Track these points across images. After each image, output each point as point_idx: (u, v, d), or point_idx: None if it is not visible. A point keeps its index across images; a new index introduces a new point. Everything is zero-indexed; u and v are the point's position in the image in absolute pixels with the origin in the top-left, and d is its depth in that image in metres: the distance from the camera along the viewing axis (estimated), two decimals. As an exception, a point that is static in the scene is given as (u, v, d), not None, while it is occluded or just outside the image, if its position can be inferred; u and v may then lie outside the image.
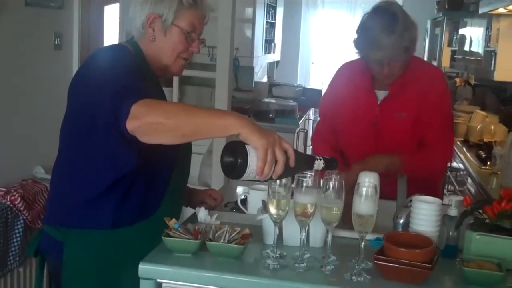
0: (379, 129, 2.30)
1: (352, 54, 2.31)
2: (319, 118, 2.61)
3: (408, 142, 2.30)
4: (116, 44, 1.84)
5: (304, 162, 1.53)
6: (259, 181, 1.49)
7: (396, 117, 2.28)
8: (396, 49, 2.13)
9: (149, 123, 1.44)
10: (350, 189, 1.57)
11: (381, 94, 2.31)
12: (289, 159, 1.44)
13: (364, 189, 1.53)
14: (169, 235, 1.60)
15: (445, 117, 2.32)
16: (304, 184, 1.56)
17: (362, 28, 2.21)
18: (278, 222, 1.60)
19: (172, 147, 1.58)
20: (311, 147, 2.89)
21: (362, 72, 2.31)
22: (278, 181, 1.55)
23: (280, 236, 1.67)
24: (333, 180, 1.55)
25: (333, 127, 2.42)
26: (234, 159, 1.42)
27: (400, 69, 2.22)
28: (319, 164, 1.53)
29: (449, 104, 2.40)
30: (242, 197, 2.04)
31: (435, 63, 5.56)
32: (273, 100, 5.48)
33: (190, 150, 1.90)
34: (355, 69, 2.36)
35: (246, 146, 1.42)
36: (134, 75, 1.60)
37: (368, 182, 1.69)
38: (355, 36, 2.24)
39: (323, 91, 2.66)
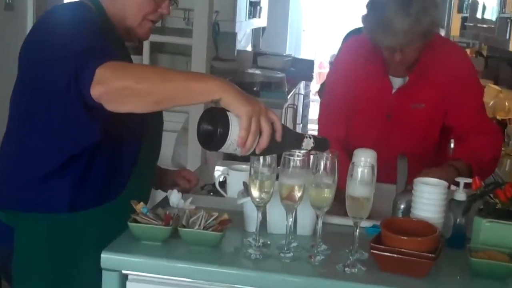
0: (394, 123, 2.28)
1: (351, 23, 2.28)
2: (324, 96, 2.55)
3: (425, 137, 2.29)
4: (74, 1, 1.81)
5: (292, 138, 1.53)
6: (239, 156, 1.49)
7: (412, 108, 2.26)
8: (410, 35, 2.06)
9: (117, 88, 1.44)
10: None
11: (397, 82, 2.27)
12: (276, 133, 1.44)
13: (359, 169, 1.53)
14: (136, 221, 1.60)
15: (479, 100, 2.29)
16: (291, 163, 1.56)
17: (372, 5, 2.14)
18: (261, 207, 1.60)
19: (141, 118, 1.58)
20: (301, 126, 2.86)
21: (374, 53, 2.24)
22: (261, 159, 1.55)
23: (263, 223, 1.67)
24: (325, 159, 1.55)
25: (343, 111, 2.36)
26: (213, 127, 1.41)
27: (415, 54, 2.17)
28: (308, 143, 1.53)
29: (480, 85, 2.38)
30: (221, 179, 2.04)
31: (442, 32, 5.58)
32: (258, 71, 5.47)
33: (161, 123, 1.89)
34: (365, 48, 2.27)
35: (228, 113, 1.42)
36: (97, 35, 1.58)
37: (364, 161, 1.69)
38: (364, 11, 2.17)
39: (316, 63, 2.63)
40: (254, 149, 1.43)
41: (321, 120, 2.47)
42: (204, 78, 1.45)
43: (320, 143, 1.56)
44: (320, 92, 4.06)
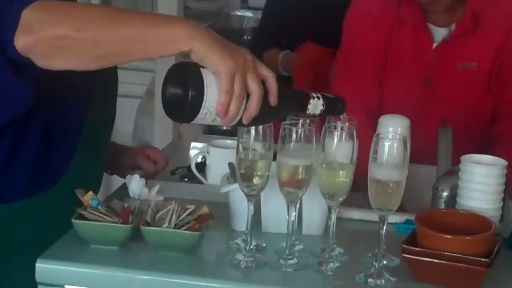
0: (435, 88, 2.30)
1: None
2: (341, 49, 2.52)
3: (477, 108, 2.30)
4: None
5: (292, 101, 1.51)
6: (223, 128, 1.48)
7: (460, 68, 2.28)
8: None
9: (50, 38, 1.43)
10: None
11: (440, 33, 2.28)
12: (269, 94, 1.42)
13: (387, 143, 1.52)
14: (83, 217, 1.60)
15: None
16: (294, 136, 1.55)
17: None
18: (253, 197, 1.60)
19: (88, 78, 1.58)
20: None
21: None
22: (252, 130, 1.54)
23: (256, 219, 1.68)
24: (339, 128, 1.55)
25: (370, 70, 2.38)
26: (182, 90, 1.39)
27: None
28: (316, 105, 1.52)
29: None
30: (199, 159, 2.04)
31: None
32: (249, 14, 5.46)
33: (115, 82, 1.89)
34: None
35: (202, 70, 1.39)
36: None
37: (393, 131, 1.69)
38: None
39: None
40: (241, 118, 1.41)
41: (338, 85, 2.46)
42: (170, 22, 1.43)
43: (333, 104, 1.55)
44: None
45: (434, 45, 2.28)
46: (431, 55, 2.28)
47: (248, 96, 1.40)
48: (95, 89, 1.78)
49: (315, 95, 1.53)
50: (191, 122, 1.42)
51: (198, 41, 1.39)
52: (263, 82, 1.42)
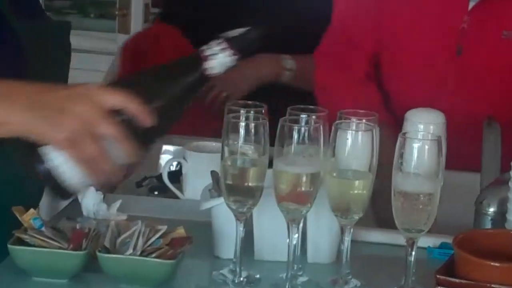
0: (468, 60, 2.31)
1: None
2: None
3: None
4: None
5: (176, 84, 1.49)
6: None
7: (504, 38, 2.29)
8: None
9: None
10: None
11: None
12: (136, 119, 1.43)
13: (416, 145, 1.53)
14: (22, 241, 1.60)
15: None
16: (296, 135, 1.55)
17: None
18: (243, 215, 1.61)
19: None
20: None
21: None
22: (241, 129, 1.55)
23: (248, 243, 1.69)
24: (354, 126, 1.56)
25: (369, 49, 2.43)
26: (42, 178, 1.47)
27: None
28: (216, 61, 1.48)
29: None
30: (172, 167, 2.07)
31: None
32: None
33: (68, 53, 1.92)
34: None
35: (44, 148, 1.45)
36: None
37: (424, 129, 1.70)
38: None
39: None
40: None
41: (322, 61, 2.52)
42: None
43: (243, 43, 1.51)
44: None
45: (471, 4, 2.29)
46: (464, 19, 2.29)
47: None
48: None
49: (206, 48, 1.49)
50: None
51: (13, 125, 1.43)
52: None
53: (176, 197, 2.04)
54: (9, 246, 1.59)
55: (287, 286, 1.60)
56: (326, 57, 2.52)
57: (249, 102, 1.68)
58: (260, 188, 1.59)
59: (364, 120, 1.58)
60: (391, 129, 1.89)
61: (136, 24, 4.31)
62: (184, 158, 2.04)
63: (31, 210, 1.64)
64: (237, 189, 1.59)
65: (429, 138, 1.55)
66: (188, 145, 2.06)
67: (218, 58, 1.48)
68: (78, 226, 1.65)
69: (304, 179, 1.56)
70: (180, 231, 1.64)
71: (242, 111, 1.63)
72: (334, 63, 2.48)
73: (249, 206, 1.60)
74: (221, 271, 1.65)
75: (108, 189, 1.96)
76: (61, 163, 1.44)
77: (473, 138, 1.96)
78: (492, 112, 2.12)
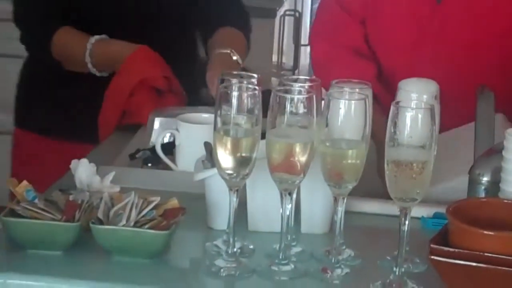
0: (446, 11, 2.30)
1: None
2: None
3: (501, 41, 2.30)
4: None
5: None
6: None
7: None
8: None
9: None
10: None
11: None
12: None
13: (409, 114, 1.52)
14: (14, 213, 1.61)
15: None
16: (288, 105, 1.55)
17: None
18: (236, 186, 1.60)
19: None
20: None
21: None
22: (234, 98, 1.54)
23: (241, 214, 1.69)
24: (347, 95, 1.55)
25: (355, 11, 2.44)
26: None
27: None
28: None
29: None
30: (166, 139, 2.07)
31: None
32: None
33: None
34: None
35: None
36: None
37: (417, 97, 1.71)
38: None
39: None
40: None
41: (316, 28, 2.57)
42: None
43: None
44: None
45: None
46: None
47: None
48: None
49: None
50: None
51: None
52: None
53: (170, 168, 2.05)
54: (2, 218, 1.60)
55: (280, 257, 1.59)
56: (320, 29, 2.54)
57: (242, 72, 1.69)
58: (253, 159, 1.58)
59: (357, 90, 1.57)
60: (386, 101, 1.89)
61: None
62: (177, 129, 2.05)
63: (24, 182, 1.64)
64: (230, 160, 1.58)
65: (422, 106, 1.54)
66: (180, 116, 2.07)
67: None
68: (71, 198, 1.66)
69: (297, 149, 1.56)
70: (173, 202, 1.65)
71: (234, 81, 1.64)
72: (328, 35, 2.48)
73: (242, 177, 1.59)
74: (214, 242, 1.65)
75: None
76: None
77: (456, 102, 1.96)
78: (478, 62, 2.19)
